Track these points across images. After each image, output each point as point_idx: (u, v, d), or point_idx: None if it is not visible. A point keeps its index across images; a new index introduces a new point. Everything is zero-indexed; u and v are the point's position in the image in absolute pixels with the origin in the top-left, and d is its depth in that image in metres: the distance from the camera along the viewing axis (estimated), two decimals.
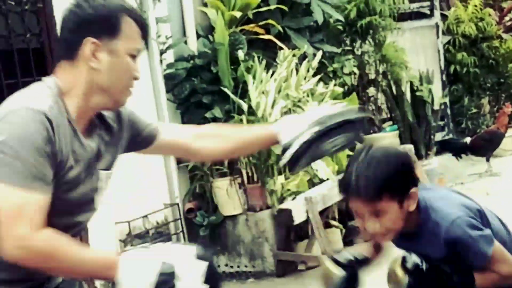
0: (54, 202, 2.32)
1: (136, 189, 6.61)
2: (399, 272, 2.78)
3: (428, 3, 11.63)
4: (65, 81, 2.44)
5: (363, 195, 2.71)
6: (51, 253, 2.24)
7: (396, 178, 2.73)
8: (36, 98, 2.36)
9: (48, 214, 2.29)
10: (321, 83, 7.81)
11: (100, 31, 2.41)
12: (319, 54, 7.85)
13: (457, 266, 2.80)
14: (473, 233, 2.76)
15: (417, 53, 11.33)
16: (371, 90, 9.96)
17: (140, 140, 2.77)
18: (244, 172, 7.04)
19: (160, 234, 6.90)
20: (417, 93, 9.82)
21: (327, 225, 7.29)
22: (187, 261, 2.31)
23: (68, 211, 2.47)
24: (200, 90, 7.20)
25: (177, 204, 7.03)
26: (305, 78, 7.50)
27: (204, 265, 2.32)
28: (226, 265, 7.17)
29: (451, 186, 9.57)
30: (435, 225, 2.80)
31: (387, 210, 2.72)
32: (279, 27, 7.74)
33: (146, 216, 6.72)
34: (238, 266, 7.14)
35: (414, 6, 11.33)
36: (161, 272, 2.23)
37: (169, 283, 2.24)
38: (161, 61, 7.09)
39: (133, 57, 2.50)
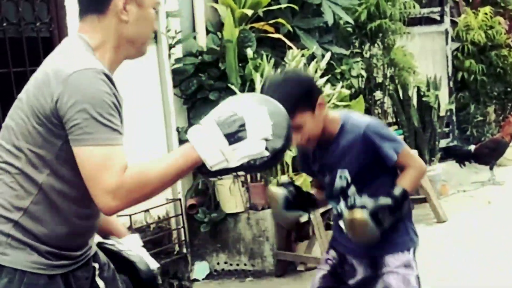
0: None
1: None
2: (358, 215, 3.18)
3: (438, 9, 11.62)
4: (95, 37, 2.57)
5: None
6: (143, 183, 2.37)
7: (301, 94, 3.23)
8: (86, 57, 2.48)
9: None
10: (329, 84, 7.80)
11: None
12: (328, 55, 7.82)
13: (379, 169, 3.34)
14: (383, 130, 3.35)
15: (426, 58, 11.31)
16: (378, 94, 9.95)
17: None
18: None
19: (161, 229, 6.90)
20: (424, 99, 9.81)
21: (328, 227, 7.27)
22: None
23: None
24: (207, 86, 7.19)
25: (179, 199, 7.02)
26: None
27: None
28: (226, 262, 7.17)
29: (454, 193, 9.57)
30: (352, 129, 3.34)
31: (303, 123, 3.24)
32: (289, 27, 7.74)
33: (147, 210, 6.70)
34: (238, 265, 7.13)
35: (425, 11, 11.31)
36: None
37: (240, 131, 2.37)
38: (169, 55, 7.07)
39: (154, 10, 2.65)
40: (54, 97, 2.40)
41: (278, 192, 3.44)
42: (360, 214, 3.16)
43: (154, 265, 2.89)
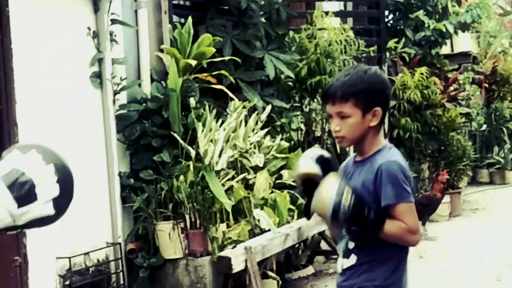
0: None
1: (79, 225, 6.64)
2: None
3: (377, 67, 11.88)
4: None
5: (333, 95, 3.26)
6: None
7: (365, 90, 3.23)
8: None
9: None
10: (269, 136, 7.98)
11: None
12: (269, 108, 8.01)
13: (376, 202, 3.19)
14: (400, 176, 3.19)
15: None
16: (316, 147, 10.13)
17: None
18: (187, 217, 7.12)
19: (100, 272, 6.92)
20: None
21: (265, 276, 7.36)
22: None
23: None
24: (151, 133, 7.29)
25: (119, 243, 7.07)
26: (253, 130, 7.66)
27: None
28: None
29: None
30: (380, 159, 3.24)
31: (350, 115, 3.23)
32: (232, 78, 7.90)
33: (87, 253, 6.74)
34: None
35: None
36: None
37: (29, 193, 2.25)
38: (114, 101, 7.16)
39: None
40: None
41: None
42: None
43: None
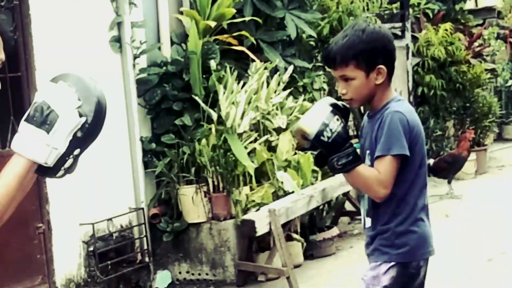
0: None
1: (102, 191, 6.63)
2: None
3: (400, 24, 11.77)
4: None
5: (333, 60, 3.23)
6: None
7: (364, 50, 3.18)
8: None
9: None
10: (291, 97, 7.90)
11: None
12: (290, 68, 7.93)
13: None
14: (398, 127, 3.15)
15: None
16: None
17: None
18: (210, 181, 7.08)
19: (124, 237, 6.92)
20: None
21: (289, 238, 7.34)
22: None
23: None
24: (171, 97, 7.24)
25: (142, 208, 7.05)
26: (275, 91, 7.58)
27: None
28: (188, 272, 7.21)
29: None
30: (386, 110, 3.21)
31: (353, 77, 3.20)
32: (253, 39, 7.81)
33: (110, 219, 6.74)
34: (199, 274, 7.17)
35: (386, 26, 11.43)
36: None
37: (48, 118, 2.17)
38: (134, 65, 7.11)
39: None
40: None
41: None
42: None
43: None
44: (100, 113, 2.24)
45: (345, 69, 3.18)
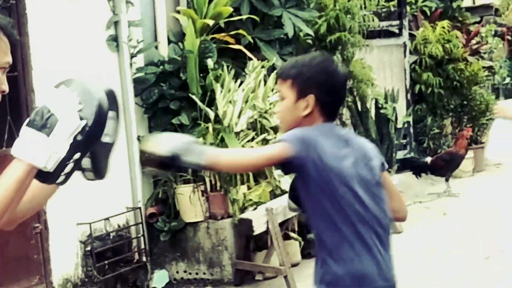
0: None
1: (99, 191, 6.61)
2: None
3: (397, 22, 11.77)
4: None
5: (278, 74, 3.16)
6: None
7: (303, 74, 3.02)
8: None
9: None
10: None
11: None
12: None
13: None
14: (295, 131, 2.99)
15: (384, 71, 11.46)
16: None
17: None
18: (207, 179, 7.07)
19: (121, 237, 6.91)
20: (382, 111, 9.95)
21: (286, 237, 7.34)
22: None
23: None
24: (168, 96, 7.23)
25: (139, 208, 7.04)
26: (272, 90, 7.56)
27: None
28: (185, 271, 7.20)
29: (410, 204, 9.70)
30: None
31: (285, 96, 3.06)
32: (250, 38, 7.79)
33: (107, 218, 6.73)
34: (197, 273, 7.17)
35: (384, 24, 11.45)
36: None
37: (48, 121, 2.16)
38: (131, 64, 7.10)
39: (2, 69, 2.50)
40: None
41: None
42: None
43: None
44: (101, 116, 2.22)
45: (282, 85, 3.07)
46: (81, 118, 2.17)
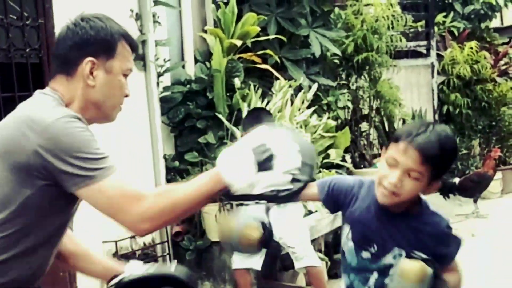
0: None
1: None
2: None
3: (425, 42, 11.74)
4: (64, 94, 2.59)
5: (423, 153, 2.71)
6: (173, 205, 2.44)
7: (446, 159, 2.83)
8: (58, 108, 2.50)
9: None
10: (315, 115, 7.86)
11: (98, 51, 2.59)
12: (315, 86, 7.90)
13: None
14: (456, 239, 2.99)
15: (412, 91, 11.42)
16: (364, 125, 10.03)
17: None
18: None
19: (147, 255, 6.90)
20: None
21: None
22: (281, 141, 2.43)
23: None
24: (195, 115, 7.24)
25: (165, 226, 7.03)
26: (299, 110, 7.55)
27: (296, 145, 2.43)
28: None
29: None
30: (432, 219, 2.92)
31: (419, 177, 2.74)
32: (277, 58, 7.80)
33: (133, 237, 6.72)
34: None
35: (411, 44, 11.42)
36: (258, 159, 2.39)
37: (269, 161, 2.38)
38: (158, 83, 7.12)
39: (125, 76, 2.69)
40: (33, 147, 2.38)
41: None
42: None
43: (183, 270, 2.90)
44: (302, 190, 2.49)
45: (422, 166, 2.74)
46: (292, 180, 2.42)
